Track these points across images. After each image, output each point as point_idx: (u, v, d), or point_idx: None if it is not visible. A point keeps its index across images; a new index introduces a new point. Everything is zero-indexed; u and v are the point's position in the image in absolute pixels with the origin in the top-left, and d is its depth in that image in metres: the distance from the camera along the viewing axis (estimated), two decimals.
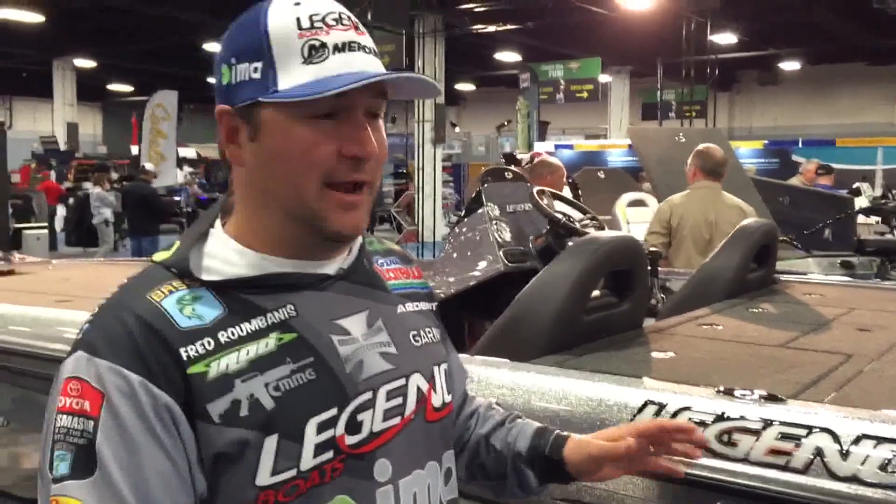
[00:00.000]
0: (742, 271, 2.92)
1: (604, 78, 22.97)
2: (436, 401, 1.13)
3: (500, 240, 3.18)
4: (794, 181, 9.19)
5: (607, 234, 2.41)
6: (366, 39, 1.04)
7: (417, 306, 1.19)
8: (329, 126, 1.00)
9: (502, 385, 1.76)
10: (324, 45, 1.00)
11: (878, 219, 7.21)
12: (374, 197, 1.08)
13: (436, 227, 16.16)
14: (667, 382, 1.71)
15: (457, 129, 28.12)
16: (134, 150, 21.83)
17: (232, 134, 1.05)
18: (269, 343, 0.99)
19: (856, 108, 27.04)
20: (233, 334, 0.98)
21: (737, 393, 1.57)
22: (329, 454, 0.99)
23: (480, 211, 3.31)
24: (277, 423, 0.96)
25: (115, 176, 22.05)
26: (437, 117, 17.25)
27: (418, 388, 1.10)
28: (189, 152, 26.76)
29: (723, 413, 1.51)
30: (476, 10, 17.78)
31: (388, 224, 18.31)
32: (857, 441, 1.38)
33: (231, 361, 0.97)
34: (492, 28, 18.84)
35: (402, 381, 1.08)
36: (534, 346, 1.96)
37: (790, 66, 26.77)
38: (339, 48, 1.00)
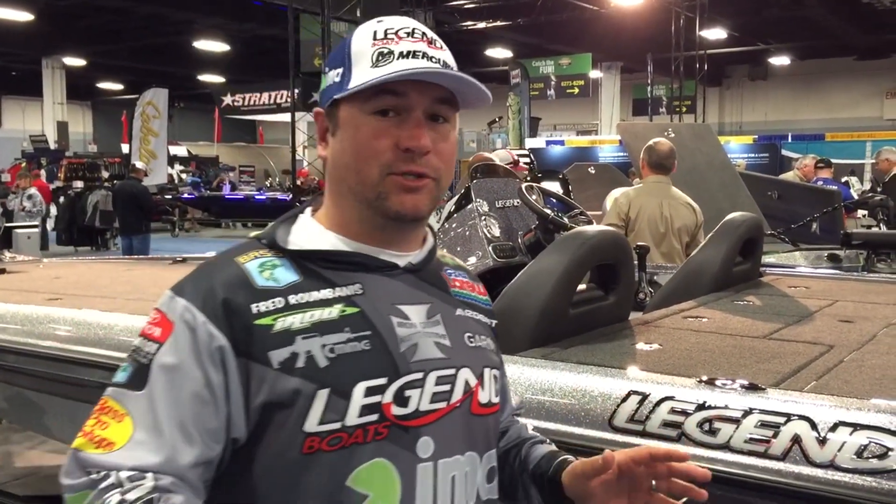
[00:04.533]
0: (728, 265, 2.95)
1: (594, 74, 23.01)
2: (482, 397, 1.21)
3: (489, 235, 3.21)
4: (790, 176, 9.24)
5: (593, 228, 2.44)
6: (438, 53, 1.18)
7: (476, 315, 1.29)
8: (391, 123, 1.14)
9: None
10: (391, 52, 1.15)
11: (865, 212, 7.27)
12: (441, 193, 1.20)
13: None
14: (650, 373, 1.74)
15: None
16: (125, 148, 21.77)
17: (323, 133, 1.21)
18: (333, 312, 1.13)
19: (845, 103, 27.15)
20: (301, 298, 1.13)
21: (718, 383, 1.60)
22: (374, 417, 1.09)
23: (470, 207, 3.33)
24: (329, 379, 1.08)
25: (105, 174, 22.03)
26: None
27: (466, 382, 1.18)
28: (180, 150, 26.71)
29: (704, 402, 1.54)
30: (466, 6, 17.81)
31: None
32: (833, 428, 1.41)
33: (296, 320, 1.10)
34: (482, 24, 18.85)
35: (451, 371, 1.17)
36: (521, 338, 1.99)
37: (780, 61, 26.87)
38: (403, 55, 1.15)
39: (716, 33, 21.01)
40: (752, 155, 19.82)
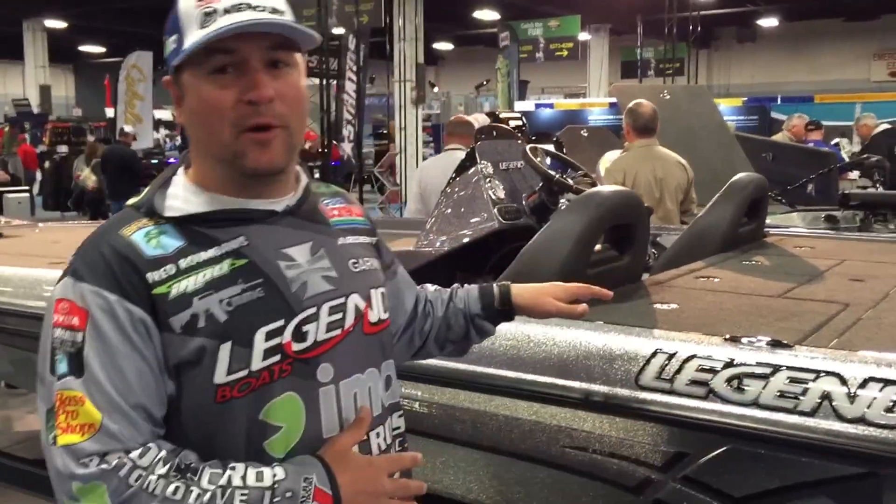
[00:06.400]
0: (734, 225, 2.95)
1: (583, 36, 22.82)
2: (372, 317, 1.31)
3: (494, 197, 3.18)
4: (780, 137, 9.22)
5: (608, 188, 2.43)
6: (265, 1, 1.19)
7: (357, 239, 1.37)
8: (229, 79, 1.17)
9: (512, 337, 1.79)
10: (215, 10, 1.17)
11: (858, 173, 7.29)
12: (297, 140, 1.24)
13: None
14: (674, 332, 1.75)
15: (435, 89, 27.92)
16: (108, 112, 21.46)
17: (177, 99, 1.24)
18: (223, 267, 1.18)
19: (834, 65, 27.08)
20: (192, 261, 1.17)
21: (744, 340, 1.61)
22: (276, 357, 1.17)
23: (473, 169, 3.31)
24: (230, 332, 1.15)
25: (91, 139, 21.75)
26: (419, 77, 17.10)
27: (356, 306, 1.28)
28: (165, 114, 26.37)
29: (732, 360, 1.55)
30: None
31: (370, 185, 18.23)
32: (864, 384, 1.42)
33: (190, 283, 1.16)
34: None
35: (341, 300, 1.26)
36: None
37: (768, 22, 26.71)
38: (227, 10, 1.17)
39: None
40: (742, 117, 19.76)
